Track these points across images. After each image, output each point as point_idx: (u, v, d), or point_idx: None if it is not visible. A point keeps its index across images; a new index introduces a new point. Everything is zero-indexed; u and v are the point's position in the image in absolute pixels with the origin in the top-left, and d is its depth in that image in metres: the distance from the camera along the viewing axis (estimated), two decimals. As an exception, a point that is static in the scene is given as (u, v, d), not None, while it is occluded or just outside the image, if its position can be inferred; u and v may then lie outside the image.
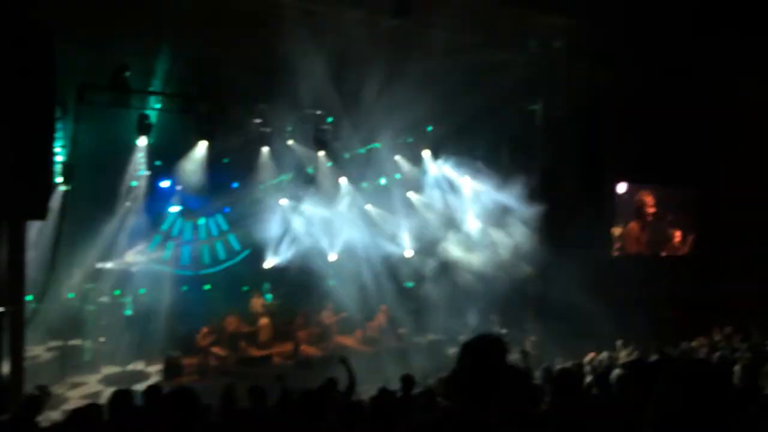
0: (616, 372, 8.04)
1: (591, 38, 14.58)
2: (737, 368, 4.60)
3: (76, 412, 6.09)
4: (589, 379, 8.62)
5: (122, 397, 5.91)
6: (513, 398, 3.67)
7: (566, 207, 15.58)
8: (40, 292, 12.07)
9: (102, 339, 14.66)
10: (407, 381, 7.22)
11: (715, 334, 13.88)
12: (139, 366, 14.31)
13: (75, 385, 13.13)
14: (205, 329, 14.50)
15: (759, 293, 16.04)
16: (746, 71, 15.49)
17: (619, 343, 12.94)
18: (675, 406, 1.58)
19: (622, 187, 17.91)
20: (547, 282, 16.47)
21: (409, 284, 18.95)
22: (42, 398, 7.10)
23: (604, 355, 12.20)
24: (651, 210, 18.07)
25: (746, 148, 16.59)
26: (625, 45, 14.18)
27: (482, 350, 2.41)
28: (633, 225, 18.10)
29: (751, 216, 16.91)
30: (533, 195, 16.46)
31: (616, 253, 17.80)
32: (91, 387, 13.25)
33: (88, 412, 6.08)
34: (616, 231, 17.99)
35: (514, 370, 3.93)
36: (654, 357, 11.47)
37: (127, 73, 12.80)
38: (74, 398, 12.31)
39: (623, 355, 11.89)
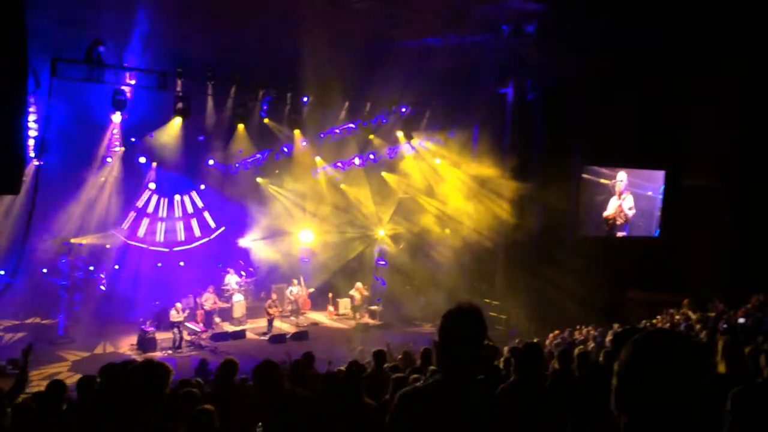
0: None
1: (562, 23, 14.81)
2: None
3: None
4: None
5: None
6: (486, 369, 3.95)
7: (534, 187, 15.99)
8: (12, 266, 12.05)
9: (75, 315, 14.68)
10: (379, 356, 7.42)
11: (675, 311, 14.38)
12: (110, 348, 14.17)
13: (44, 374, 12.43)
14: (179, 305, 14.60)
15: (717, 272, 16.60)
16: (714, 61, 15.71)
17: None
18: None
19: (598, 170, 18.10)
20: (513, 260, 16.90)
21: (382, 261, 19.28)
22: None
23: (567, 333, 12.65)
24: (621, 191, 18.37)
25: (713, 131, 16.92)
26: (594, 30, 14.41)
27: (466, 320, 2.39)
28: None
29: (712, 198, 17.42)
30: (503, 174, 16.80)
31: (580, 234, 18.15)
32: (61, 375, 12.74)
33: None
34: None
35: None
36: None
37: (102, 48, 12.72)
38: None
39: (585, 333, 12.32)
